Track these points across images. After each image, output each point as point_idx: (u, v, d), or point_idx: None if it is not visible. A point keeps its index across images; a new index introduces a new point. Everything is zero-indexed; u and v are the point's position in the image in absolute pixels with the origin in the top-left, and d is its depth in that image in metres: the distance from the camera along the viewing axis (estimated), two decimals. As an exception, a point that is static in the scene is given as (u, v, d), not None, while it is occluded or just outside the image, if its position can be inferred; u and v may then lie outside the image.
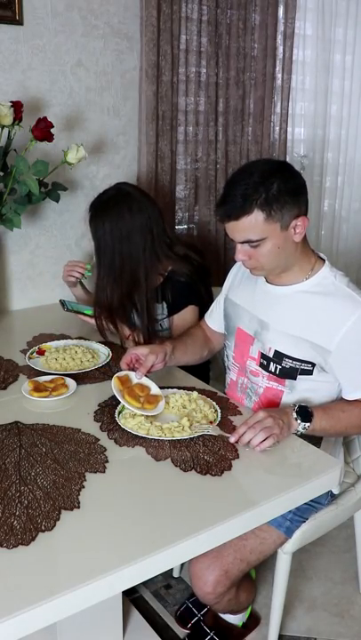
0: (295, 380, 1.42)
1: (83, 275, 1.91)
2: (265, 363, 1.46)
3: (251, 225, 1.30)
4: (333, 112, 3.08)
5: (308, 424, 1.30)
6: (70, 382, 1.52)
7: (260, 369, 1.47)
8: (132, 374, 1.44)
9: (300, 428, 1.30)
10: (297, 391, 1.43)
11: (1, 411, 1.40)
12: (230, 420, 1.38)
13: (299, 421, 1.29)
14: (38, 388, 1.47)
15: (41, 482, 1.12)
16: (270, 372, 1.45)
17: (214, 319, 1.71)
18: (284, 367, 1.42)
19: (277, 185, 1.29)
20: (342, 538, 2.08)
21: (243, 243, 1.35)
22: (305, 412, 1.31)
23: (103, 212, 1.74)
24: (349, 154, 3.22)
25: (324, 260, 1.45)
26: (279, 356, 1.42)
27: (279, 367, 1.43)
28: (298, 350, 1.40)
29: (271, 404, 1.46)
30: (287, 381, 1.43)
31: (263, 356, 1.46)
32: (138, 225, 1.72)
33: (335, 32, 2.94)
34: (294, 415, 1.30)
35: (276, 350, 1.43)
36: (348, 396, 1.41)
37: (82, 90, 2.16)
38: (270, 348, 1.44)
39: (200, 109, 2.46)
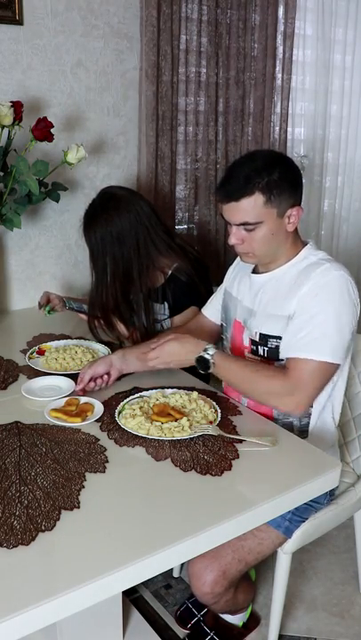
0: (282, 361, 1.41)
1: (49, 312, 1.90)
2: (255, 348, 1.47)
3: (250, 207, 1.34)
4: (333, 112, 3.08)
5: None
6: (95, 403, 1.43)
7: (253, 355, 1.48)
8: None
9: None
10: None
11: (1, 411, 1.40)
12: (230, 420, 1.38)
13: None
14: (67, 413, 1.38)
15: (41, 482, 1.12)
16: (260, 356, 1.46)
17: (211, 308, 1.70)
18: (271, 348, 1.43)
19: (279, 172, 1.34)
20: (342, 538, 2.08)
21: (239, 225, 1.38)
22: (204, 363, 1.38)
23: (92, 220, 1.75)
24: (349, 154, 3.23)
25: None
26: (264, 339, 1.44)
27: (266, 349, 1.44)
28: (275, 327, 1.41)
29: None
30: (275, 364, 1.43)
31: (253, 342, 1.48)
32: (127, 224, 1.73)
33: (335, 32, 2.94)
34: (197, 356, 1.38)
35: (260, 333, 1.45)
36: (282, 355, 1.40)
37: (82, 90, 2.16)
38: (256, 333, 1.46)
39: (200, 109, 2.46)
